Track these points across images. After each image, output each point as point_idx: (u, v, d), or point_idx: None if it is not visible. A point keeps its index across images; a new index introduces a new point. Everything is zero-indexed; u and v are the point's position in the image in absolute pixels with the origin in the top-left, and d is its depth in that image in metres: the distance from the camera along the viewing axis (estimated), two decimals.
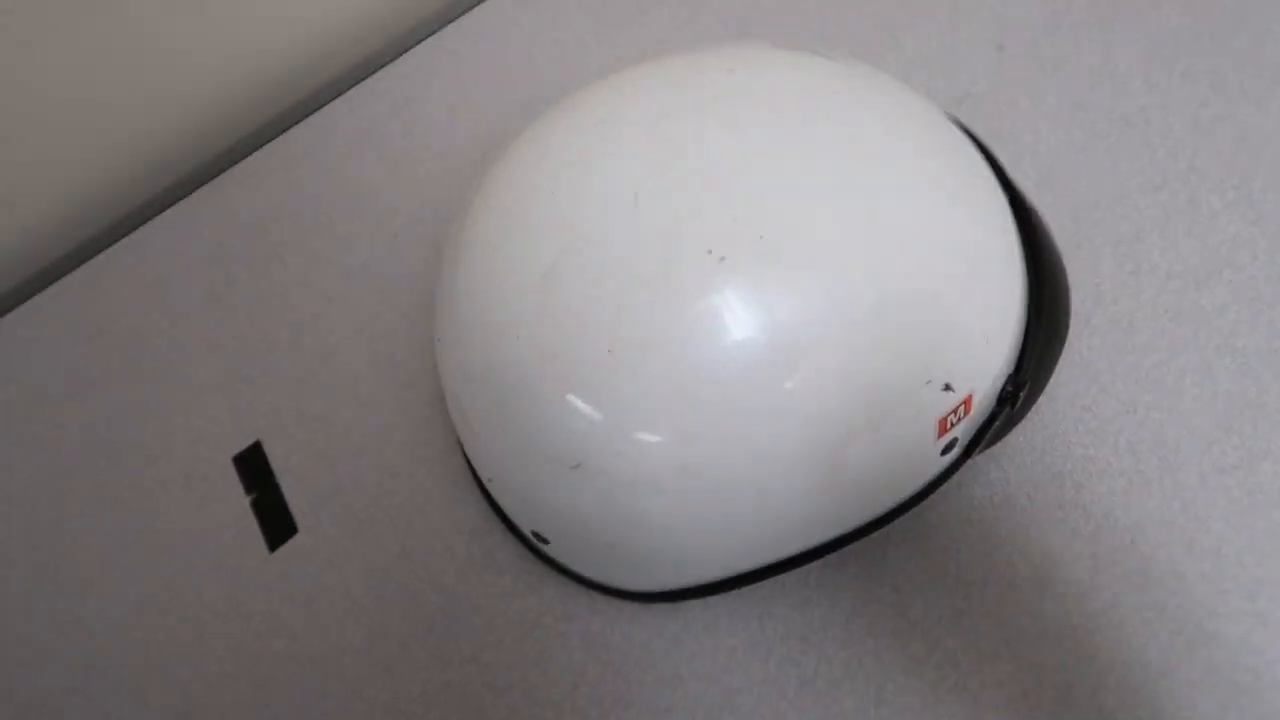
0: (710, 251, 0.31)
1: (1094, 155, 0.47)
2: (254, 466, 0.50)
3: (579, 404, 0.32)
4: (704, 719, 0.41)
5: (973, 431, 0.38)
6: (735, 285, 0.31)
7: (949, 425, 0.35)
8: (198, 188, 0.59)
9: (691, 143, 0.33)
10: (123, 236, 0.59)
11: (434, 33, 0.61)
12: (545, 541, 0.40)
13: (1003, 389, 0.37)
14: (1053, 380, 0.42)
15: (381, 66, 0.60)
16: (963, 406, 0.35)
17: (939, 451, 0.37)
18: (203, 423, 0.52)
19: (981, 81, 0.50)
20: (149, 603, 0.48)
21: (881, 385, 0.33)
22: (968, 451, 0.39)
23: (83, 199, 0.59)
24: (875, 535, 0.41)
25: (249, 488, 0.50)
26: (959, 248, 0.34)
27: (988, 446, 0.40)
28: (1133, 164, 0.46)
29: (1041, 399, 0.42)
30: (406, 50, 0.61)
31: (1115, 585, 0.39)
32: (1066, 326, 0.41)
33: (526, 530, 0.40)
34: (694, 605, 0.42)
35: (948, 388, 0.34)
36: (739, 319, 0.31)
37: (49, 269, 0.62)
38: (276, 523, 0.49)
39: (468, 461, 0.45)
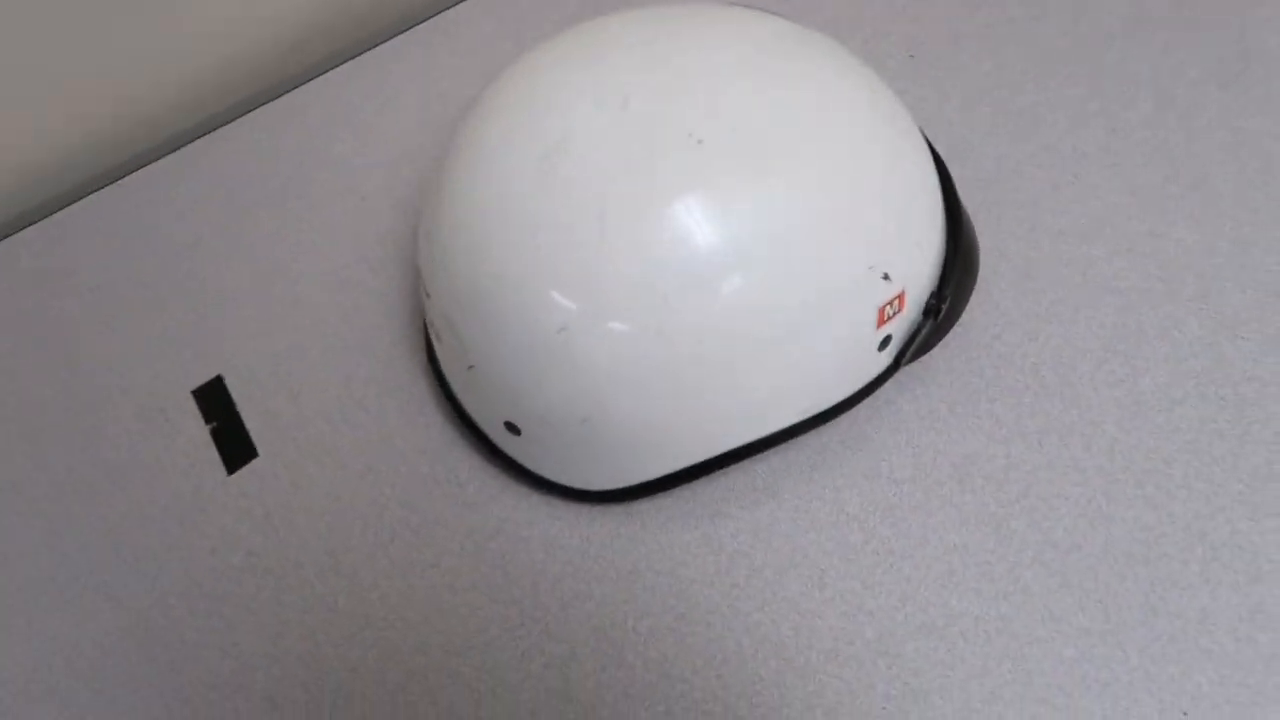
0: (690, 134, 0.36)
1: (994, 140, 0.54)
2: (214, 398, 0.52)
3: (569, 268, 0.36)
4: (660, 607, 0.43)
5: (904, 337, 0.43)
6: (711, 165, 0.36)
7: (886, 316, 0.40)
8: (174, 150, 0.62)
9: (675, 58, 0.38)
10: (95, 190, 0.61)
11: (411, 27, 0.66)
12: (517, 432, 0.43)
13: (927, 301, 0.43)
14: (967, 314, 0.48)
15: (358, 54, 0.65)
16: (898, 299, 0.40)
17: (878, 345, 0.41)
18: (163, 360, 0.53)
19: (897, 82, 0.57)
20: (100, 524, 0.48)
21: (834, 269, 0.38)
22: (897, 360, 0.44)
23: (63, 151, 0.61)
24: (816, 442, 0.46)
25: (208, 418, 0.51)
26: (899, 168, 0.40)
27: (915, 357, 0.45)
28: (1025, 147, 0.54)
29: (958, 329, 0.48)
30: (384, 40, 0.65)
31: (1025, 480, 0.44)
32: (977, 266, 0.47)
33: (499, 422, 0.43)
34: (649, 508, 0.45)
35: (886, 277, 0.39)
36: (712, 197, 0.36)
37: (21, 215, 0.63)
38: (236, 449, 0.50)
39: (437, 374, 0.48)
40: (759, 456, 0.46)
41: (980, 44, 0.58)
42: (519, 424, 0.42)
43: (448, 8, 0.67)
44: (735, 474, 0.46)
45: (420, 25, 0.66)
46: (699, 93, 0.37)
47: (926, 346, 0.45)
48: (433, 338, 0.46)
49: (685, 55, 0.39)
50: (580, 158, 0.36)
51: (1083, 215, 0.51)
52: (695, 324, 0.36)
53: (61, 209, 0.60)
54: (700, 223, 0.35)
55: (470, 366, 0.41)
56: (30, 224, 0.60)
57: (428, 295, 0.42)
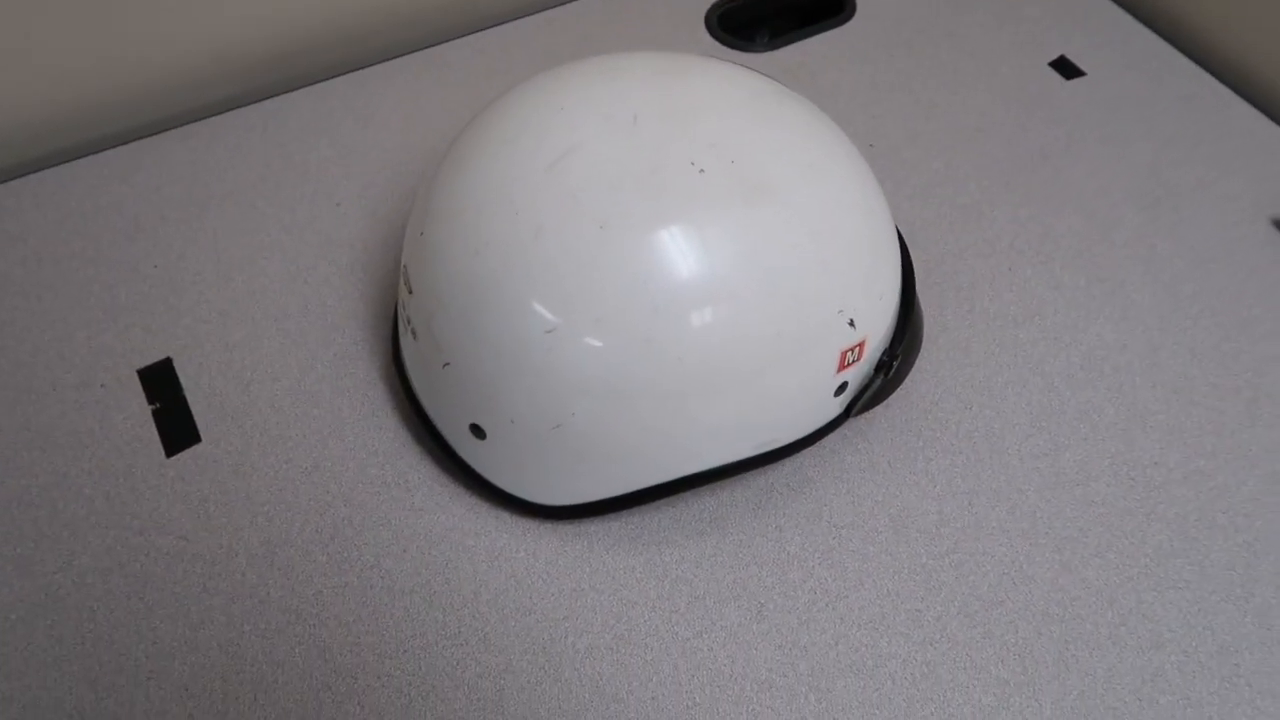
0: (692, 164, 0.38)
1: (940, 229, 0.59)
2: (160, 380, 0.50)
3: (564, 273, 0.38)
4: (600, 626, 0.43)
5: (857, 387, 0.45)
6: (710, 193, 0.38)
7: (847, 362, 0.43)
8: (150, 135, 0.61)
9: (681, 89, 0.41)
10: (64, 161, 0.60)
11: (402, 55, 0.68)
12: (482, 435, 0.43)
13: (881, 357, 0.46)
14: (909, 380, 0.51)
15: (347, 71, 0.66)
16: (858, 347, 0.43)
17: (835, 389, 0.44)
18: (111, 335, 0.52)
19: None
20: (19, 488, 0.46)
21: (811, 307, 0.40)
22: (848, 409, 0.47)
23: (40, 116, 0.60)
24: (763, 481, 0.48)
25: (152, 398, 0.50)
26: (872, 223, 0.43)
27: (863, 410, 0.47)
28: (968, 238, 0.58)
29: (900, 392, 0.51)
30: (374, 63, 0.67)
31: (955, 535, 0.46)
32: (921, 335, 0.51)
33: (465, 424, 0.43)
34: (598, 529, 0.46)
35: (852, 324, 0.42)
36: (709, 224, 0.38)
37: None
38: (178, 432, 0.49)
39: (400, 374, 0.48)
40: (707, 489, 0.47)
41: (933, 144, 0.64)
42: (486, 427, 0.43)
43: (440, 42, 0.69)
44: (682, 505, 0.47)
45: (413, 54, 0.68)
46: (703, 123, 0.40)
47: (874, 401, 0.48)
48: (405, 336, 0.46)
49: (690, 89, 0.41)
50: (588, 168, 0.38)
51: (1015, 303, 0.55)
52: (678, 341, 0.38)
53: (25, 175, 0.59)
54: (696, 247, 0.38)
55: (446, 364, 0.42)
56: None
57: (410, 291, 0.43)
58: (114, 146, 0.61)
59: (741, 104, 0.42)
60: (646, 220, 0.37)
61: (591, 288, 0.38)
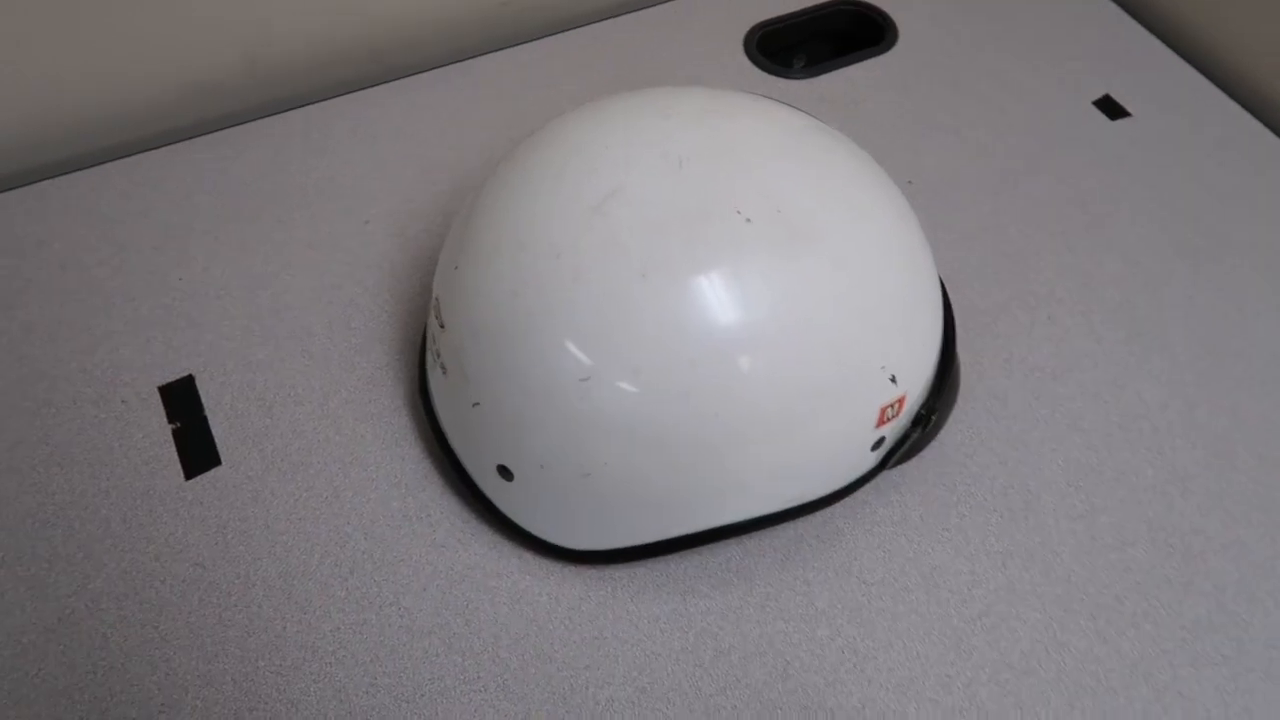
0: (739, 212, 0.37)
1: (979, 273, 0.58)
2: (182, 398, 0.49)
3: (604, 319, 0.37)
4: (622, 677, 0.42)
5: (894, 439, 0.44)
6: (756, 243, 0.37)
7: (886, 417, 0.42)
8: (179, 141, 0.60)
9: (730, 132, 0.40)
10: (93, 165, 0.59)
11: (440, 66, 0.67)
12: (509, 477, 0.42)
13: (918, 411, 0.44)
14: (945, 431, 0.50)
15: (386, 81, 0.65)
16: (898, 403, 0.42)
17: (871, 445, 0.43)
18: (133, 349, 0.51)
19: None
20: (36, 508, 0.45)
21: (852, 362, 0.39)
22: (883, 462, 0.45)
23: (72, 117, 0.59)
24: (792, 532, 0.47)
25: (173, 417, 0.49)
26: (917, 274, 0.42)
27: (898, 462, 0.46)
28: (1006, 283, 0.57)
29: (935, 443, 0.49)
30: (411, 74, 0.66)
31: (988, 597, 0.45)
32: (958, 386, 0.50)
33: (492, 465, 0.42)
34: (623, 575, 0.45)
35: (894, 380, 0.41)
36: (754, 274, 0.37)
37: (11, 175, 0.60)
38: (198, 453, 0.48)
39: (427, 406, 0.47)
40: (735, 539, 0.46)
41: (972, 183, 0.62)
42: (514, 469, 0.42)
43: (479, 54, 0.68)
44: (710, 553, 0.46)
45: (451, 65, 0.67)
46: (751, 169, 0.39)
47: (910, 454, 0.47)
48: (433, 370, 0.45)
49: (738, 131, 0.40)
50: (632, 211, 0.37)
51: (1054, 355, 0.54)
52: (717, 393, 0.37)
53: (55, 176, 0.58)
54: (738, 299, 0.37)
55: (475, 404, 0.41)
56: (15, 187, 0.57)
57: (442, 326, 0.42)
58: (146, 150, 0.60)
59: (790, 148, 0.41)
60: (690, 270, 0.36)
61: (630, 337, 0.37)
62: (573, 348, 0.37)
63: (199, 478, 0.47)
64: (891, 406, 0.42)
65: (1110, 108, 0.67)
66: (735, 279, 0.37)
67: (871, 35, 0.73)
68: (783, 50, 0.74)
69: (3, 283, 0.53)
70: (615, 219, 0.37)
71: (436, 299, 0.43)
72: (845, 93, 0.68)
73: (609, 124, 0.40)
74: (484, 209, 0.41)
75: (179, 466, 0.47)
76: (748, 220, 0.37)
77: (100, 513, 0.45)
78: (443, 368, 0.43)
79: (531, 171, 0.40)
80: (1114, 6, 0.74)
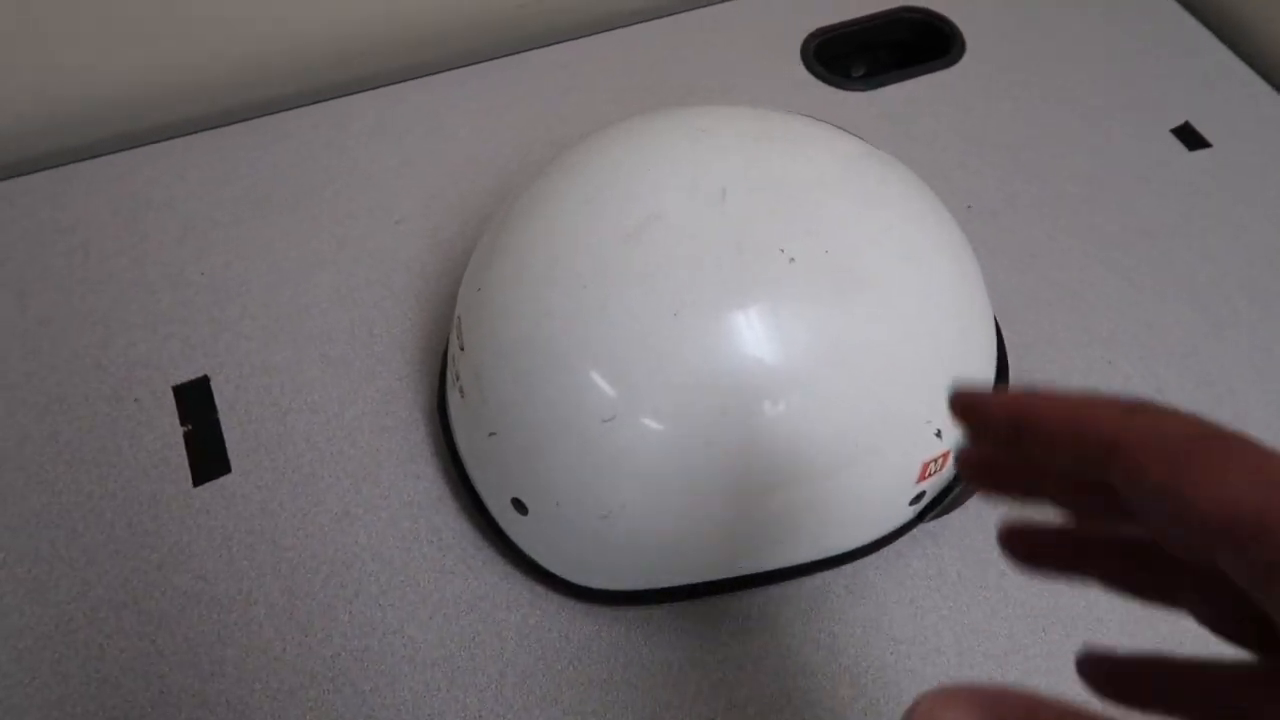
0: (782, 251, 0.35)
1: (1035, 309, 0.54)
2: (196, 399, 0.48)
3: (631, 357, 0.34)
4: None
5: (935, 493, 0.42)
6: (798, 285, 0.34)
7: (928, 473, 0.39)
8: (208, 129, 0.59)
9: (778, 161, 0.37)
10: (117, 150, 0.58)
11: (478, 61, 0.64)
12: (524, 511, 0.40)
13: None
14: None
15: (420, 75, 0.63)
16: (942, 458, 0.39)
17: (910, 499, 0.40)
18: (149, 345, 0.50)
19: None
20: (41, 510, 0.44)
21: (894, 415, 0.37)
22: (922, 514, 0.43)
23: (96, 103, 0.58)
24: (819, 580, 0.44)
25: (185, 419, 0.47)
26: (970, 321, 0.39)
27: (937, 516, 0.43)
28: (1063, 321, 0.54)
29: (977, 495, 0.47)
30: (448, 68, 0.64)
31: (1025, 665, 0.42)
32: None
33: (507, 497, 0.40)
34: (638, 616, 0.43)
35: (939, 434, 0.38)
36: (794, 318, 0.34)
37: (37, 158, 0.59)
38: (208, 459, 0.46)
39: (444, 426, 0.45)
40: (759, 587, 0.44)
41: (1034, 211, 0.59)
42: (529, 504, 0.39)
43: (519, 51, 0.66)
44: (730, 598, 0.44)
45: (490, 61, 0.64)
46: (797, 205, 0.36)
47: (950, 507, 0.44)
48: (452, 390, 0.43)
49: (783, 159, 0.38)
50: (667, 243, 0.35)
51: None
52: (747, 441, 0.35)
53: (82, 160, 0.57)
54: (775, 345, 0.34)
55: (492, 434, 0.39)
56: (42, 169, 0.56)
57: (462, 348, 0.40)
58: (172, 138, 0.58)
59: (841, 181, 0.38)
60: (725, 311, 0.34)
61: (656, 378, 0.34)
62: (594, 386, 0.35)
63: (207, 485, 0.45)
64: (935, 461, 0.39)
65: (1189, 137, 0.63)
66: (773, 322, 0.34)
67: (936, 47, 0.70)
68: (841, 59, 0.70)
69: (21, 269, 0.52)
70: (649, 250, 0.35)
71: (459, 318, 0.41)
72: (905, 107, 0.65)
73: (648, 146, 0.38)
74: (512, 229, 0.39)
75: (188, 472, 0.46)
76: (791, 260, 0.34)
77: (105, 516, 0.44)
78: (461, 390, 0.41)
79: (564, 193, 0.38)
80: (1202, 29, 0.70)
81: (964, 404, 0.23)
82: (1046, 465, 0.21)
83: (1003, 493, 0.24)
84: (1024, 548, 0.24)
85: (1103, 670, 0.22)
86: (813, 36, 0.68)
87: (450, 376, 0.43)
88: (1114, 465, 0.19)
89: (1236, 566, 0.18)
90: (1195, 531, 0.18)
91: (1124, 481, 0.19)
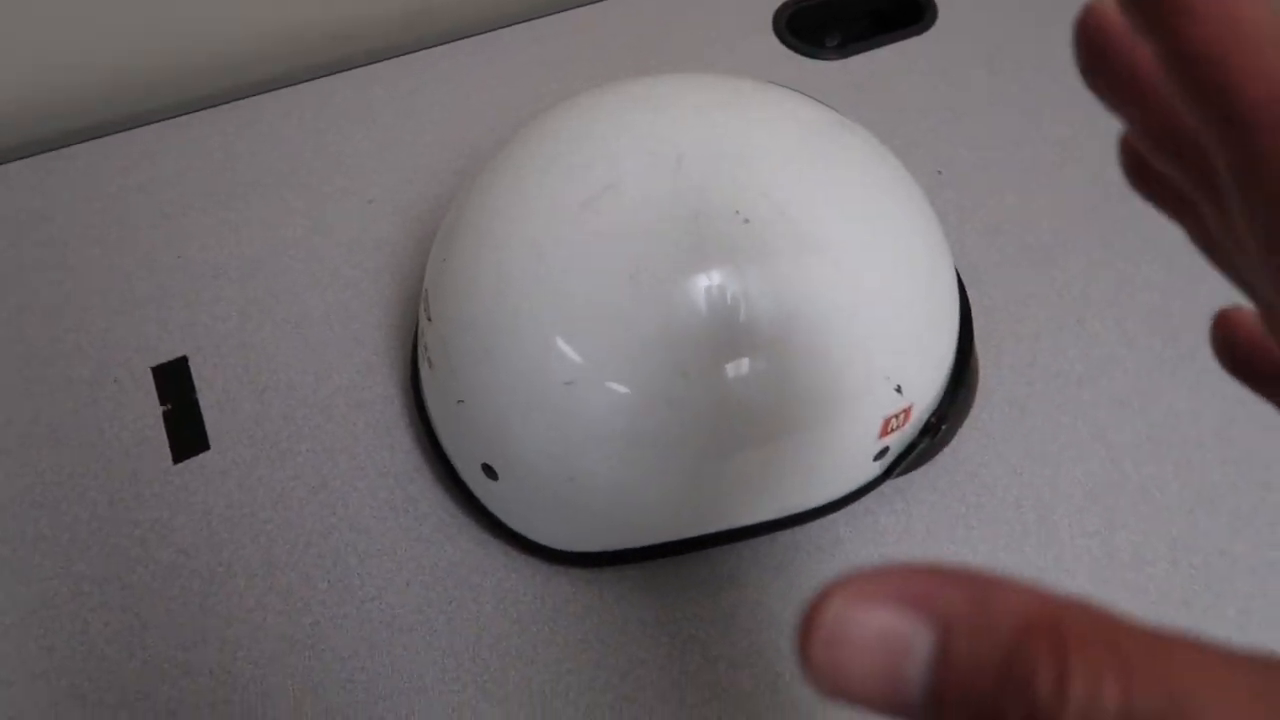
0: (737, 213, 0.35)
1: (1005, 270, 0.55)
2: (174, 379, 0.49)
3: (590, 321, 0.35)
4: (604, 683, 0.41)
5: (899, 449, 0.42)
6: (754, 246, 0.35)
7: (890, 429, 0.40)
8: (178, 115, 0.59)
9: (737, 128, 0.37)
10: (90, 139, 0.58)
11: (447, 41, 0.65)
12: (494, 477, 0.41)
13: (927, 420, 0.42)
14: (957, 438, 0.47)
15: (391, 57, 0.63)
16: (904, 414, 0.40)
17: (874, 455, 0.41)
18: (127, 327, 0.50)
19: None
20: (21, 487, 0.45)
21: (853, 371, 0.37)
22: (888, 472, 0.43)
23: (69, 92, 0.59)
24: (788, 539, 0.45)
25: (164, 399, 0.48)
26: (930, 281, 0.40)
27: (903, 473, 0.44)
28: (1035, 283, 0.54)
29: (946, 451, 0.47)
30: (417, 49, 0.64)
31: None
32: (974, 394, 0.47)
33: (477, 464, 0.41)
34: (611, 577, 0.44)
35: (899, 390, 0.39)
36: (750, 278, 0.35)
37: (10, 148, 0.60)
38: (187, 437, 0.47)
39: (417, 399, 0.46)
40: (729, 545, 0.44)
41: (1006, 175, 0.59)
42: (498, 469, 0.40)
43: (492, 29, 0.66)
44: (701, 558, 0.44)
45: (462, 40, 0.65)
46: (754, 167, 0.36)
47: (917, 463, 0.44)
48: (422, 362, 0.44)
49: (742, 125, 0.38)
50: (625, 210, 0.35)
51: (1081, 360, 0.51)
52: (708, 400, 0.35)
53: (52, 150, 0.57)
54: (733, 301, 0.35)
55: (460, 401, 0.40)
56: (15, 159, 0.57)
57: (429, 319, 0.41)
58: (146, 124, 0.59)
59: (798, 146, 0.38)
60: (682, 273, 0.34)
61: (616, 341, 0.35)
62: (556, 351, 0.35)
63: (187, 462, 0.46)
64: (896, 417, 0.40)
65: None
66: (729, 283, 0.35)
67: (909, 14, 0.70)
68: (815, 29, 0.70)
69: (2, 254, 0.53)
70: (605, 217, 0.35)
71: (426, 291, 0.42)
72: (877, 75, 0.65)
73: (606, 116, 0.38)
74: (475, 201, 0.39)
75: (168, 449, 0.47)
76: (746, 221, 0.35)
77: (87, 494, 0.45)
78: (430, 361, 0.42)
79: (523, 163, 0.38)
80: None
81: None
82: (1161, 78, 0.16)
83: (1104, 81, 0.19)
84: (1136, 165, 0.21)
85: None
86: (785, 7, 0.69)
87: (420, 348, 0.44)
88: (1231, 141, 0.14)
89: None
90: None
91: (1232, 168, 0.14)
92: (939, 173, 0.59)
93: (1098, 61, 0.18)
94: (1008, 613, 0.12)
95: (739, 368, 0.35)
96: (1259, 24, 0.13)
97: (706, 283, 0.34)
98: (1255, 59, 0.13)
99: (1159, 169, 0.19)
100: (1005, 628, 0.12)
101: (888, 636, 0.13)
